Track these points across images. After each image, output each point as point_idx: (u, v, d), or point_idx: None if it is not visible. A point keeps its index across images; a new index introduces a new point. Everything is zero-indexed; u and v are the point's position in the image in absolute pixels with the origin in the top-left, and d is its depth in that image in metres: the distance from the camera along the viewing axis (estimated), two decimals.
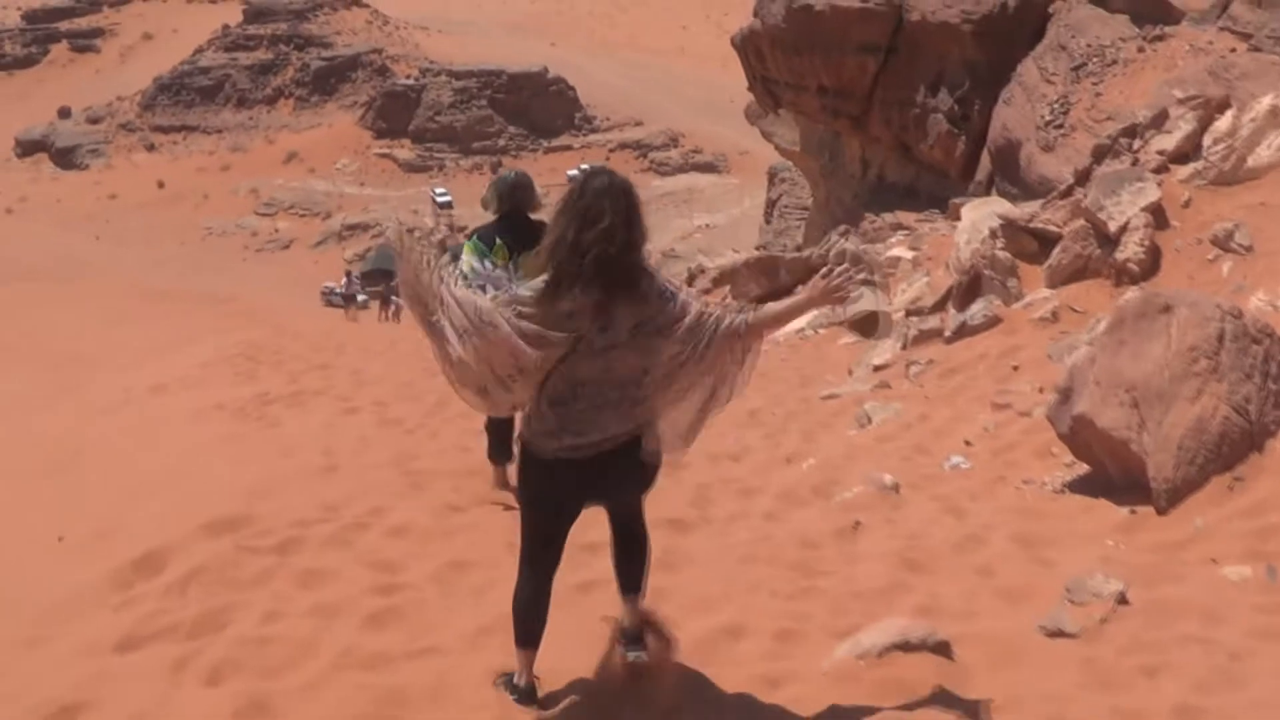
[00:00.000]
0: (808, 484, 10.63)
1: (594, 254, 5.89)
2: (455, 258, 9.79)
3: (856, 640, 6.93)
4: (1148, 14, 33.46)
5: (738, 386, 6.55)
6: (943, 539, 9.10)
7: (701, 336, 6.13)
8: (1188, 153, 17.85)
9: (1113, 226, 16.21)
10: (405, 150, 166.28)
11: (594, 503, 6.58)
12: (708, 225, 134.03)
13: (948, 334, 16.84)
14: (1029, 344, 15.44)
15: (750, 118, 66.51)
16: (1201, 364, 9.53)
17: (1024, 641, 7.31)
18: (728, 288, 28.48)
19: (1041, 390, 13.10)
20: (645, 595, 6.86)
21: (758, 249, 78.16)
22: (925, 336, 17.23)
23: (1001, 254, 17.44)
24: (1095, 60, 32.33)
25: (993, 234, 18.21)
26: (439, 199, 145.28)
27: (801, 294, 6.59)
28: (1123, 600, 7.66)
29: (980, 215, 21.11)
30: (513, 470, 9.02)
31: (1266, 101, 17.72)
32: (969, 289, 17.60)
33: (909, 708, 6.38)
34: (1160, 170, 17.44)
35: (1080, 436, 10.16)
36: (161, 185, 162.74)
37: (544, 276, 6.02)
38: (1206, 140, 17.77)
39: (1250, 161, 17.02)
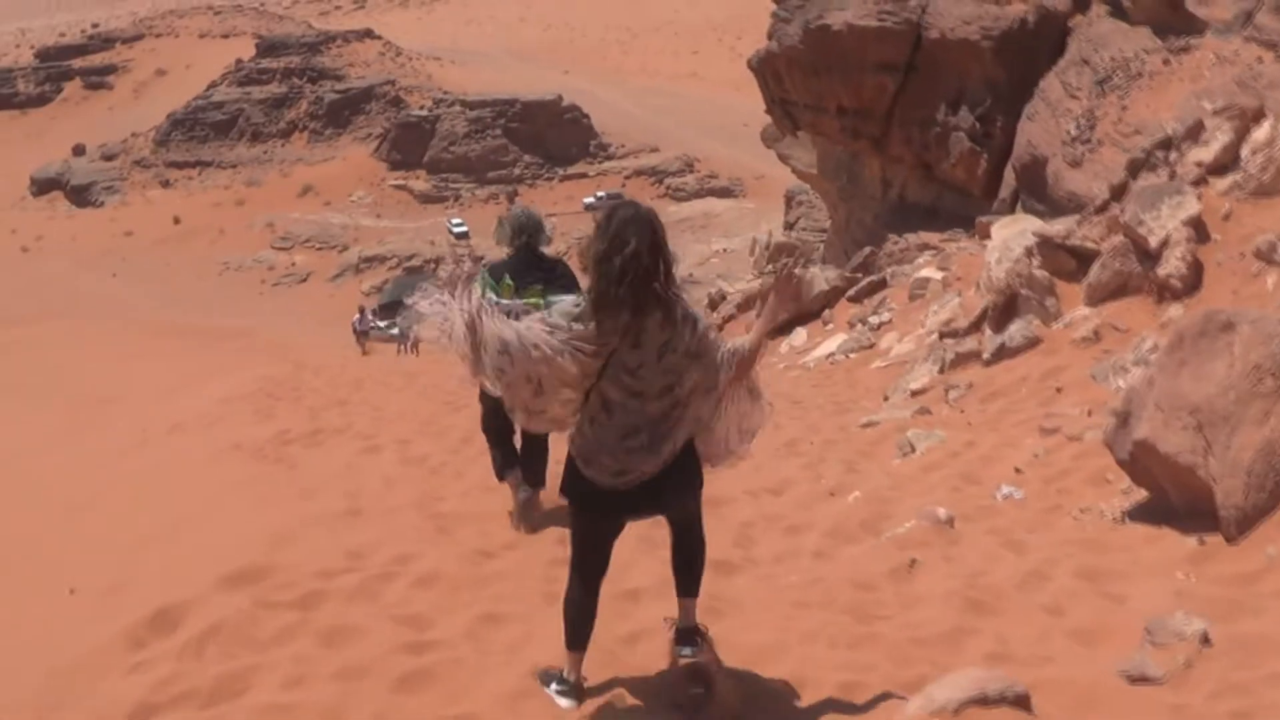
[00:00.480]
0: (855, 518, 10.11)
1: (623, 277, 6.30)
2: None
3: (929, 696, 6.36)
4: (1171, 25, 32.82)
5: (757, 414, 7.25)
6: (1005, 576, 8.59)
7: (716, 367, 6.66)
8: (1226, 164, 17.29)
9: (1153, 241, 15.67)
10: (420, 181, 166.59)
11: (642, 517, 7.21)
12: (725, 250, 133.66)
13: (986, 356, 16.31)
14: (1071, 365, 14.93)
15: (767, 141, 65.94)
16: (1267, 383, 9.01)
17: (1107, 689, 6.82)
18: (753, 312, 27.98)
19: (1090, 413, 12.61)
20: (689, 594, 7.23)
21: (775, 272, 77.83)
22: (963, 359, 16.69)
23: (1039, 273, 16.92)
24: (1120, 73, 31.73)
25: (1028, 252, 17.67)
26: (455, 230, 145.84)
27: (766, 305, 6.90)
28: (1205, 640, 7.14)
29: (1011, 233, 20.62)
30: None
31: None
32: (1005, 309, 17.08)
33: None
34: (1199, 183, 16.88)
35: (1141, 463, 9.65)
36: (177, 221, 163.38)
37: (583, 299, 6.51)
38: (1244, 151, 17.22)
39: None
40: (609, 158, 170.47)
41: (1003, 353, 16.04)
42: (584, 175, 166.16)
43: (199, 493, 13.56)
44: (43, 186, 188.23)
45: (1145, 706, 6.59)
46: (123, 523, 13.24)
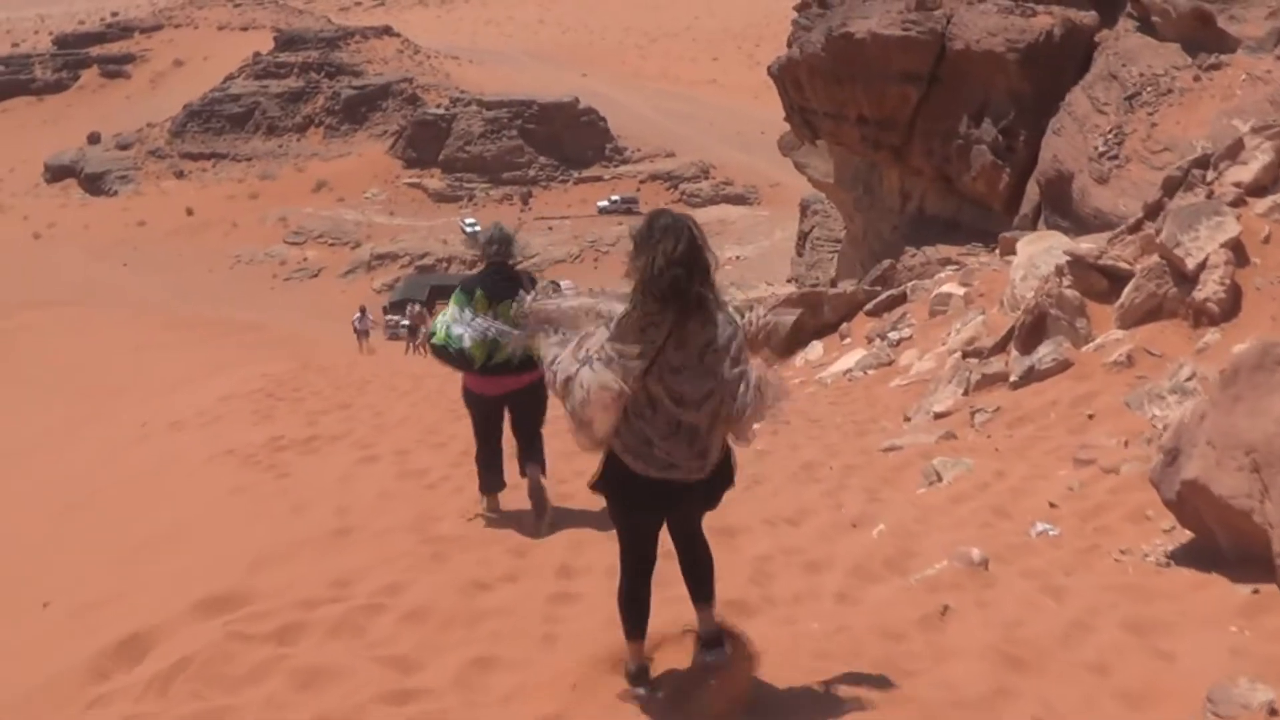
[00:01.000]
0: (880, 555, 9.41)
1: (666, 281, 6.55)
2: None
3: None
4: (1201, 42, 32.19)
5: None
6: (1045, 628, 7.90)
7: (742, 384, 6.74)
8: (1265, 185, 16.61)
9: (1190, 264, 14.96)
10: (435, 180, 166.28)
11: (672, 515, 7.21)
12: (738, 257, 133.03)
13: (1014, 378, 15.55)
14: (1103, 390, 14.20)
15: (784, 149, 65.52)
16: None
17: None
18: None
19: (1126, 444, 11.92)
20: (716, 602, 7.33)
21: (790, 281, 77.40)
22: (989, 381, 15.94)
23: (1069, 292, 16.18)
24: (1149, 89, 31.13)
25: (1058, 271, 16.94)
26: (468, 229, 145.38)
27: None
28: (1273, 713, 6.45)
29: (1037, 250, 19.96)
30: (502, 498, 11.17)
31: None
32: (1033, 329, 16.36)
33: None
34: (1237, 204, 16.18)
35: (1189, 504, 8.95)
36: (190, 212, 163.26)
37: (630, 305, 6.76)
38: None
39: None
40: (624, 161, 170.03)
41: (1031, 375, 15.30)
42: (599, 178, 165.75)
43: (188, 501, 13.18)
44: (57, 174, 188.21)
45: None
46: (112, 528, 12.95)
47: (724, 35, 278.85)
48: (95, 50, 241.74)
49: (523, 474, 10.96)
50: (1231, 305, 14.67)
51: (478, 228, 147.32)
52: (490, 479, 11.20)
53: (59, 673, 7.79)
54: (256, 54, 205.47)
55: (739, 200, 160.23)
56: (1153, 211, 17.91)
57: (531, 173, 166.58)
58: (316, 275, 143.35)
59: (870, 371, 20.42)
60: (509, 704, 6.90)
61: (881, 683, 7.04)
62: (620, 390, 6.58)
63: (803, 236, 79.27)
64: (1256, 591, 8.24)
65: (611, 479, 6.98)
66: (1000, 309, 19.51)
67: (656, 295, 6.59)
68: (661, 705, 6.97)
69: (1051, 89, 36.66)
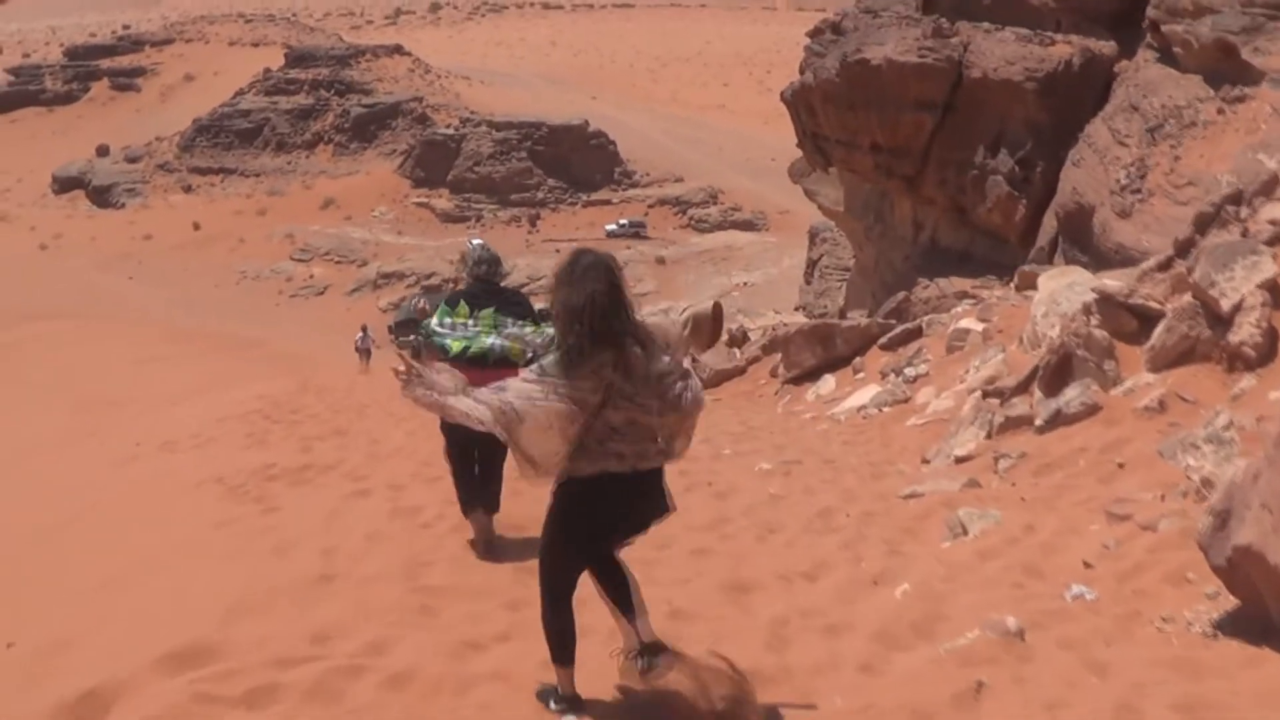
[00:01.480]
0: (906, 619, 8.71)
1: (594, 317, 6.80)
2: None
3: None
4: (1224, 74, 31.51)
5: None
6: (1089, 709, 7.19)
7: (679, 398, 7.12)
8: None
9: (1225, 305, 14.27)
10: (443, 200, 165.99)
11: (623, 529, 7.40)
12: (745, 283, 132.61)
13: (1039, 422, 14.83)
14: (1134, 437, 13.49)
15: (794, 176, 65.02)
16: None
17: None
18: (778, 356, 26.65)
19: (1163, 497, 11.22)
20: (641, 612, 7.33)
21: (797, 309, 76.99)
22: (1012, 424, 15.22)
23: (1098, 332, 15.49)
24: (1172, 122, 30.45)
25: (1086, 309, 16.26)
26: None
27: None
28: None
29: (1059, 286, 19.31)
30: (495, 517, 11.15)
31: None
32: (1058, 370, 15.66)
33: None
34: (1273, 242, 15.49)
35: (1241, 571, 8.25)
36: (197, 227, 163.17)
37: (560, 348, 6.93)
38: None
39: None
40: (633, 185, 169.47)
41: (1058, 419, 14.58)
42: (608, 202, 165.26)
43: (167, 534, 12.48)
44: (64, 185, 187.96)
45: None
46: (84, 559, 12.34)
47: (735, 60, 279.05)
48: (106, 63, 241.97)
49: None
50: (1268, 349, 13.99)
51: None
52: (469, 496, 11.22)
53: None
54: (267, 70, 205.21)
55: (747, 226, 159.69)
56: (1183, 249, 17.23)
57: (540, 195, 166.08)
58: (322, 293, 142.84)
59: (885, 409, 19.71)
60: None
61: None
62: (572, 413, 6.80)
63: (811, 264, 79.02)
64: None
65: (562, 498, 7.19)
66: (1020, 346, 18.86)
67: (595, 333, 6.81)
68: None
69: (1070, 120, 36.05)
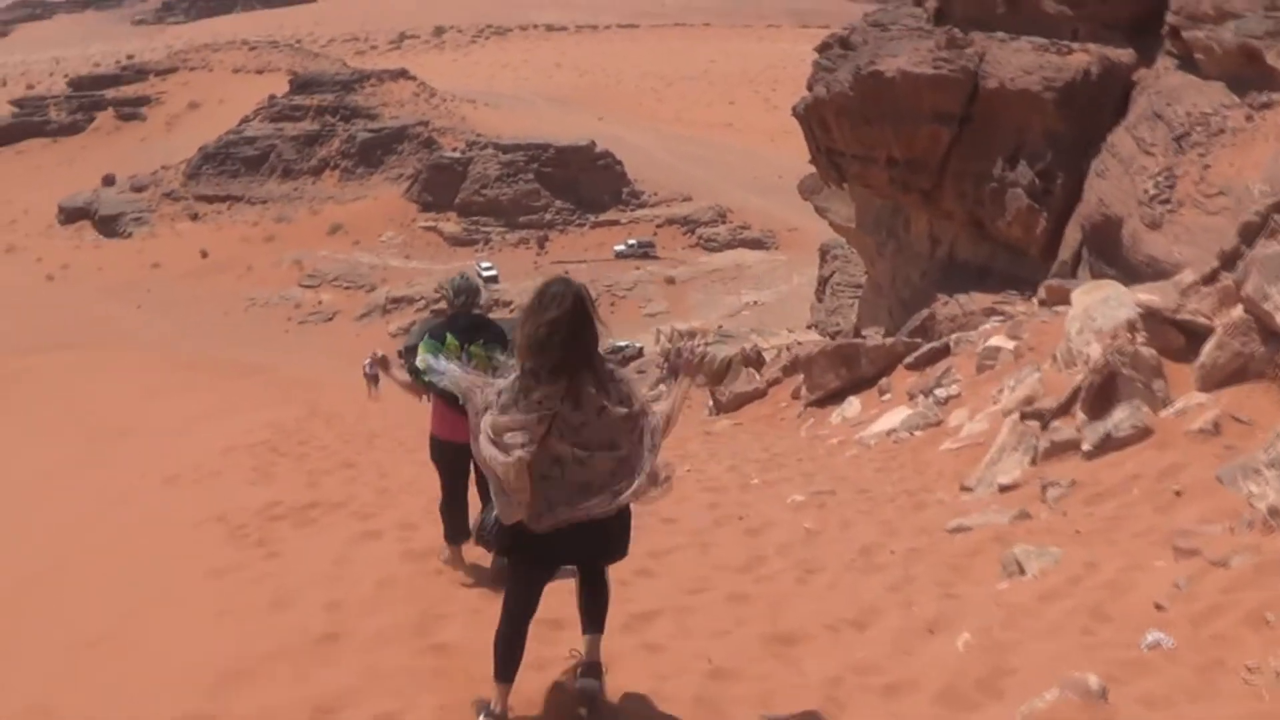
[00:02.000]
0: (971, 675, 7.86)
1: (553, 343, 6.92)
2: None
3: None
4: (1248, 80, 30.72)
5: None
6: None
7: (647, 442, 7.18)
8: None
9: None
10: (451, 223, 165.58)
11: (576, 563, 7.67)
12: (756, 302, 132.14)
13: (1087, 447, 13.94)
14: (1190, 462, 12.64)
15: (804, 193, 64.36)
16: None
17: None
18: (801, 377, 25.83)
19: (1231, 530, 10.38)
20: (596, 629, 7.75)
21: (810, 327, 76.46)
22: (1058, 449, 14.33)
23: (1145, 350, 14.63)
24: (1199, 129, 29.65)
25: (1130, 326, 15.43)
26: (484, 273, 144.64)
27: (675, 386, 7.53)
28: None
29: (1093, 301, 18.43)
30: (469, 548, 10.94)
31: None
32: (1102, 391, 14.80)
33: None
34: None
35: None
36: (205, 255, 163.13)
37: (517, 371, 7.11)
38: None
39: None
40: (641, 205, 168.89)
41: (1108, 444, 13.72)
42: (616, 222, 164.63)
43: (159, 584, 11.72)
44: (71, 215, 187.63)
45: None
46: (75, 610, 11.52)
47: (740, 78, 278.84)
48: (110, 92, 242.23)
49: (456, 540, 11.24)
50: None
51: (493, 271, 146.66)
52: (455, 528, 11.18)
53: None
54: (272, 96, 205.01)
55: (756, 245, 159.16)
56: (1229, 260, 16.44)
57: (548, 216, 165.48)
58: (331, 319, 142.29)
59: (917, 432, 18.82)
60: None
61: None
62: (520, 458, 6.89)
63: (823, 282, 78.51)
64: None
65: (502, 540, 7.41)
66: (1054, 364, 17.98)
67: (546, 361, 6.96)
68: None
69: (1089, 130, 35.33)
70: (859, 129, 41.97)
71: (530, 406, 6.96)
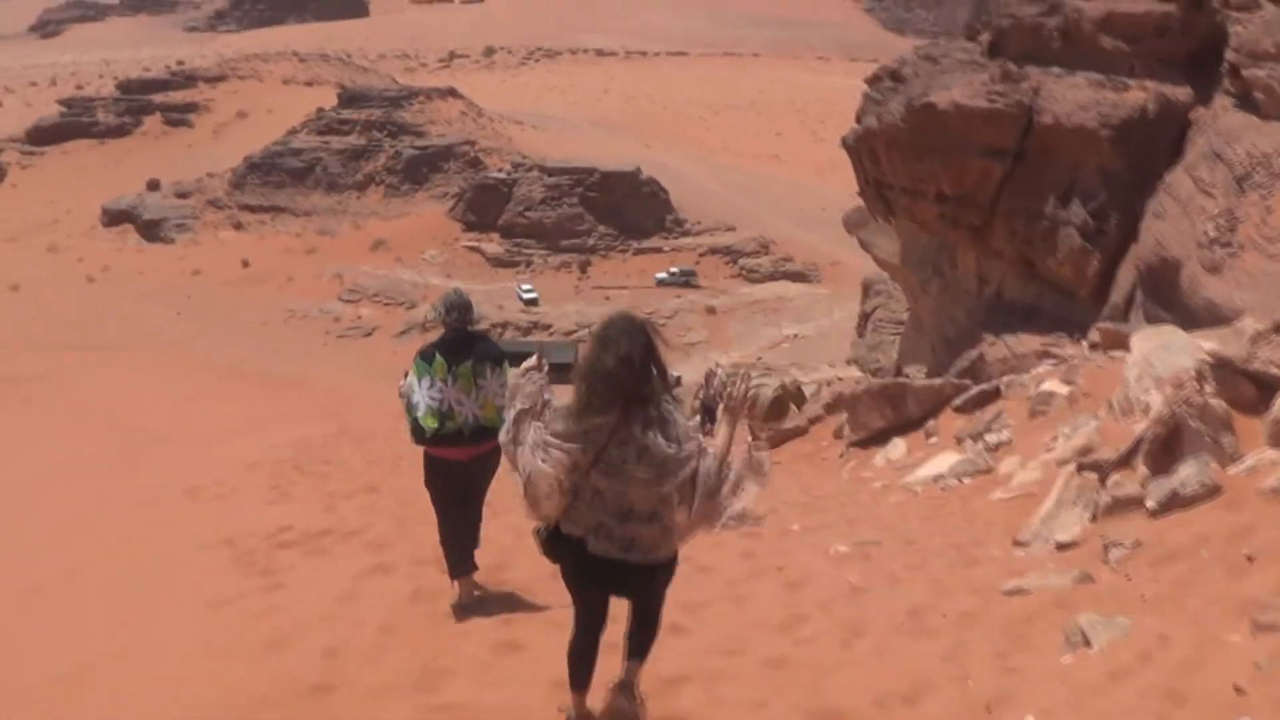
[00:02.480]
0: None
1: (611, 381, 7.00)
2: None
3: None
4: None
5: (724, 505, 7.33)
6: None
7: (694, 479, 7.17)
8: None
9: None
10: (494, 244, 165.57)
11: (618, 594, 7.65)
12: (796, 335, 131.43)
13: (1152, 505, 12.99)
14: (1262, 524, 11.72)
15: (849, 227, 63.53)
16: None
17: None
18: (844, 416, 24.93)
19: None
20: (637, 657, 7.74)
21: (850, 363, 75.72)
22: (1120, 506, 13.38)
23: (1215, 403, 13.72)
24: (1260, 171, 28.67)
25: (1199, 376, 14.53)
26: (525, 295, 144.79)
27: (722, 424, 7.38)
28: None
29: (1153, 347, 17.54)
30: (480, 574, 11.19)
31: None
32: (1166, 444, 13.89)
33: None
34: None
35: None
36: (246, 264, 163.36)
37: (574, 398, 7.15)
38: None
39: None
40: (685, 233, 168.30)
41: (1174, 502, 12.79)
42: (659, 250, 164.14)
43: (157, 610, 11.16)
44: (114, 218, 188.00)
45: None
46: (62, 635, 10.94)
47: (788, 109, 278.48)
48: (159, 97, 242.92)
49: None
50: None
51: (534, 294, 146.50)
52: (458, 561, 11.08)
53: None
54: (320, 109, 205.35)
55: (799, 277, 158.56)
56: None
57: (591, 241, 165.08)
58: (370, 334, 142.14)
59: (966, 479, 17.88)
60: None
61: None
62: (558, 481, 7.13)
63: (864, 317, 77.80)
64: None
65: (561, 551, 7.51)
66: (1110, 412, 17.07)
67: (602, 394, 7.04)
68: None
69: (1144, 169, 34.37)
70: (909, 162, 41.10)
71: (578, 435, 7.09)
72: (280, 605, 10.46)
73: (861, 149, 44.90)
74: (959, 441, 20.27)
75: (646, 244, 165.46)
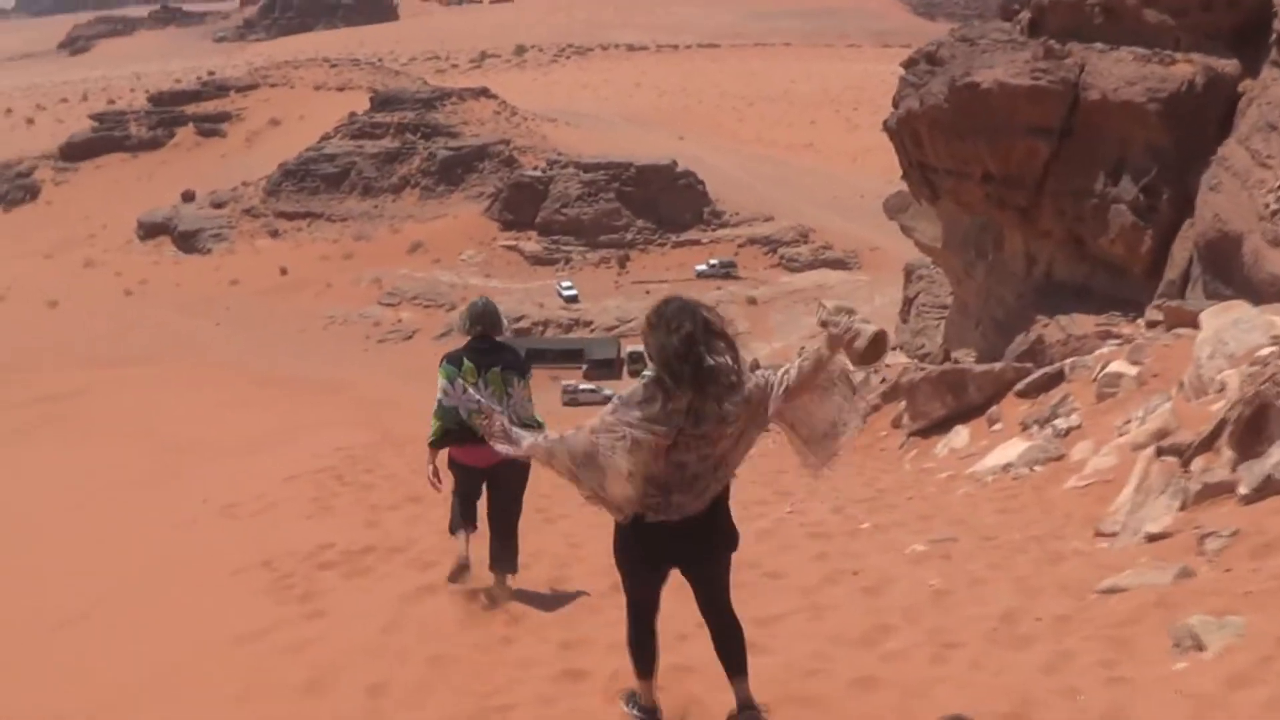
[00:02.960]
0: None
1: (682, 361, 7.04)
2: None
3: None
4: None
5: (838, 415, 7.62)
6: None
7: (759, 400, 7.29)
8: None
9: None
10: (531, 242, 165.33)
11: (683, 564, 7.64)
12: None
13: (1244, 490, 12.15)
14: None
15: (889, 212, 62.96)
16: None
17: None
18: (902, 404, 24.18)
19: None
20: (741, 672, 7.57)
21: (895, 349, 74.96)
22: (1212, 493, 12.52)
23: None
24: None
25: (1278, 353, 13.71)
26: (565, 293, 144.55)
27: (816, 351, 7.47)
28: None
29: (1224, 324, 16.80)
30: (474, 540, 11.28)
31: None
32: (1251, 425, 13.05)
33: None
34: None
35: None
36: (284, 272, 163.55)
37: (646, 382, 7.22)
38: None
39: None
40: (723, 225, 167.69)
41: (1270, 487, 11.93)
42: (697, 242, 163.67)
43: (184, 643, 10.43)
44: (150, 230, 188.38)
45: None
46: (87, 672, 10.37)
47: (821, 99, 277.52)
48: (191, 108, 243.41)
49: (491, 564, 11.19)
50: None
51: (574, 291, 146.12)
52: (462, 517, 11.41)
53: None
54: (352, 114, 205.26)
55: (839, 265, 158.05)
56: None
57: (629, 236, 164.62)
58: (410, 337, 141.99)
59: (1037, 468, 17.02)
60: None
61: None
62: (632, 471, 7.04)
63: (907, 302, 77.29)
64: None
65: (623, 537, 7.51)
66: (1182, 393, 16.26)
67: (674, 376, 7.03)
68: None
69: (1194, 143, 33.62)
70: (953, 143, 40.35)
71: (661, 418, 7.08)
72: (319, 636, 9.72)
73: (904, 132, 44.20)
74: (1025, 428, 19.49)
75: (685, 237, 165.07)
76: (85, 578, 14.34)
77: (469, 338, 11.37)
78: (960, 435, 21.30)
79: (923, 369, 27.47)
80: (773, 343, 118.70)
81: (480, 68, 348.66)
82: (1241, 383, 13.95)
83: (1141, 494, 13.28)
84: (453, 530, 11.46)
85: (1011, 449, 18.35)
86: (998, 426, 20.67)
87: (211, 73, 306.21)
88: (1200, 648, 8.62)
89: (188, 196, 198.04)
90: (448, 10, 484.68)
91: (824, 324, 7.52)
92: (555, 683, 8.22)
